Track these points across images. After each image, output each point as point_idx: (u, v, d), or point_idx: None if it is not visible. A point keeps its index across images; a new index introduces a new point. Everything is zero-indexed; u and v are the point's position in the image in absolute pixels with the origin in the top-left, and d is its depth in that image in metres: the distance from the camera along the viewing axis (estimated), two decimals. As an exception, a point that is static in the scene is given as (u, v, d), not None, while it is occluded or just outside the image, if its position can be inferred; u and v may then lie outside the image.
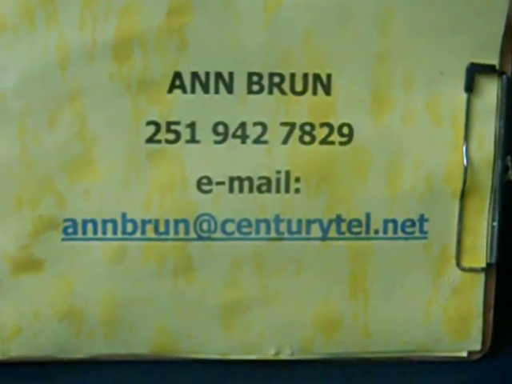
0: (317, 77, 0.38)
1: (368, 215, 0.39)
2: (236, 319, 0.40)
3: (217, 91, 0.38)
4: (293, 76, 0.38)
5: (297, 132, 0.38)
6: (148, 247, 0.39)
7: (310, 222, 0.39)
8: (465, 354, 0.41)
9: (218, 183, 0.38)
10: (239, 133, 0.38)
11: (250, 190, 0.38)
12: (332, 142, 0.38)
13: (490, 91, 0.38)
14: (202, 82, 0.38)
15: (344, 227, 0.39)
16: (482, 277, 0.40)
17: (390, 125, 0.38)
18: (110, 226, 0.38)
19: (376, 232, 0.39)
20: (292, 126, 0.38)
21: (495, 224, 0.39)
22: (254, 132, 0.38)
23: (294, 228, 0.39)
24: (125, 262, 0.39)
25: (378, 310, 0.40)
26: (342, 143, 0.38)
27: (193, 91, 0.38)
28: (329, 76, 0.38)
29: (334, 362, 0.40)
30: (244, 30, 0.37)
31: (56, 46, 0.37)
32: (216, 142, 0.38)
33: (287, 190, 0.39)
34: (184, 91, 0.38)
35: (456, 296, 0.40)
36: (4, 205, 0.38)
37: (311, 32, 0.37)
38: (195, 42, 0.37)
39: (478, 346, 0.41)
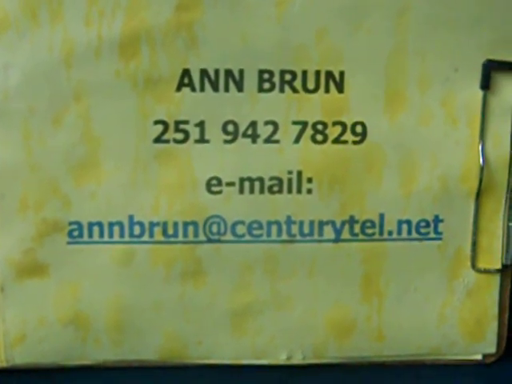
0: (329, 74, 0.37)
1: (382, 216, 0.38)
2: (247, 323, 0.39)
3: (227, 89, 0.37)
4: (305, 73, 0.37)
5: (309, 131, 0.37)
6: (156, 250, 0.37)
7: (322, 224, 0.38)
8: (479, 357, 0.40)
9: (228, 184, 0.37)
10: (250, 132, 0.37)
11: (261, 191, 0.37)
12: (345, 141, 0.37)
13: (507, 89, 0.37)
14: (211, 80, 0.36)
15: (357, 228, 0.38)
16: (497, 278, 0.39)
17: (405, 123, 0.37)
18: (116, 228, 0.37)
19: (390, 233, 0.38)
20: (304, 124, 0.37)
21: (511, 224, 0.39)
22: (264, 131, 0.37)
23: (306, 230, 0.38)
24: (132, 266, 0.37)
25: (392, 313, 0.39)
26: (355, 142, 0.37)
27: (202, 89, 0.36)
28: (342, 73, 0.37)
29: (346, 367, 0.39)
30: (255, 26, 0.36)
31: (60, 44, 0.35)
32: (226, 142, 0.37)
33: (299, 191, 0.38)
34: (193, 89, 0.36)
35: (471, 298, 0.39)
36: (8, 208, 0.36)
37: (324, 28, 0.36)
38: (204, 38, 0.36)
39: (492, 349, 0.40)
